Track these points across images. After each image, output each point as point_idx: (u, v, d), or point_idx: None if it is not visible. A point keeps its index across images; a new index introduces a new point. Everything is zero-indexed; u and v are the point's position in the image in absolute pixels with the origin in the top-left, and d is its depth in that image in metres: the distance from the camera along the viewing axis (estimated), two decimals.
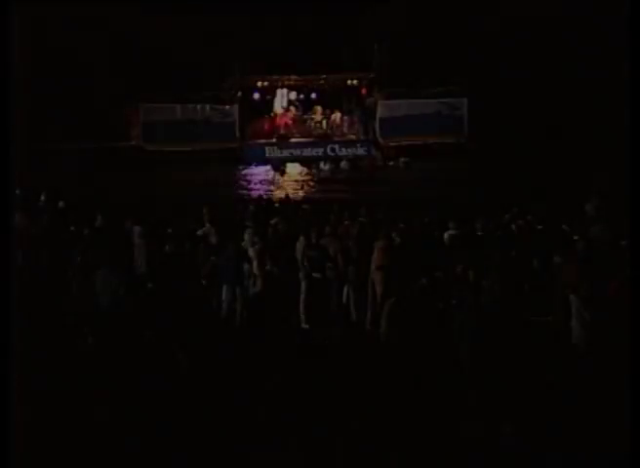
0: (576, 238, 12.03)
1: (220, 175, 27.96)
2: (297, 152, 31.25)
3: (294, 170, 30.17)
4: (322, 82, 32.67)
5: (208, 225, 13.22)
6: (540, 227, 13.08)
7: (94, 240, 11.80)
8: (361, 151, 31.72)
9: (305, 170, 29.95)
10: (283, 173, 29.33)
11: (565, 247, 11.22)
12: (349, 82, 32.77)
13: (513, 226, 13.72)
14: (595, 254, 10.65)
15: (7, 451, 5.17)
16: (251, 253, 11.58)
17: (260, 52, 30.07)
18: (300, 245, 11.88)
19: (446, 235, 13.05)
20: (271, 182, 28.07)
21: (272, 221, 14.03)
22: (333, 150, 31.47)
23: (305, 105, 32.76)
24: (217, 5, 29.77)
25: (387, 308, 8.85)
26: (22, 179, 22.41)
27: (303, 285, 11.79)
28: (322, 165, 30.08)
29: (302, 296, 11.86)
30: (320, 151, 31.30)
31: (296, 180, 28.57)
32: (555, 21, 32.14)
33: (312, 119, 32.27)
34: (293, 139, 31.73)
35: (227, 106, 30.85)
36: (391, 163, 31.31)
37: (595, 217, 13.74)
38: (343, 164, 30.98)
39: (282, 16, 31.04)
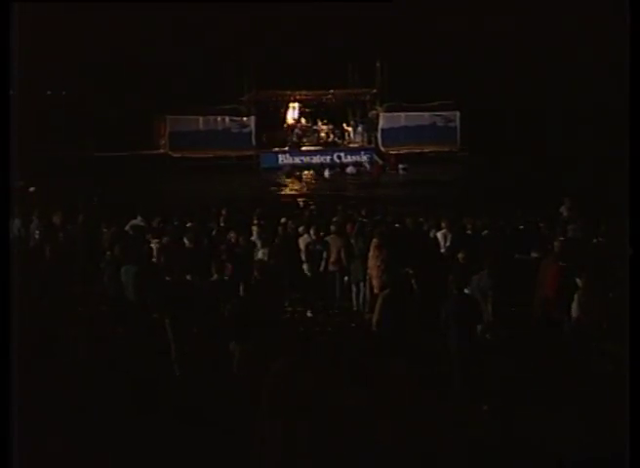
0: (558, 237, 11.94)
1: (240, 179, 27.93)
2: (306, 159, 31.29)
3: (307, 175, 30.17)
4: (330, 96, 32.81)
5: (223, 224, 13.23)
6: (520, 227, 13.01)
7: (122, 238, 11.76)
8: (364, 158, 31.74)
9: (315, 175, 29.89)
10: (300, 178, 29.31)
11: (542, 244, 11.17)
12: (354, 96, 32.83)
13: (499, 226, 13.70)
14: (569, 251, 10.56)
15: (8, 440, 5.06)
16: (259, 247, 11.60)
17: (274, 70, 30.13)
18: (303, 241, 11.88)
19: (439, 234, 12.98)
20: (285, 186, 28.08)
21: (282, 221, 14.02)
22: (339, 157, 31.50)
23: (315, 117, 32.82)
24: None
25: (380, 299, 8.82)
26: (61, 183, 22.78)
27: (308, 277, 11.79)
28: (325, 172, 29.94)
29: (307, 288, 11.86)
30: (327, 158, 31.38)
31: (307, 184, 28.61)
32: (538, 41, 32.23)
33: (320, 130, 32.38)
34: (303, 148, 31.75)
35: (245, 118, 30.97)
36: (391, 169, 31.26)
37: (569, 218, 13.67)
38: (350, 169, 31.02)
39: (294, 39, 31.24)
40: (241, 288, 8.61)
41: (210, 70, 30.48)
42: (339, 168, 30.83)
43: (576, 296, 8.83)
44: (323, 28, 31.20)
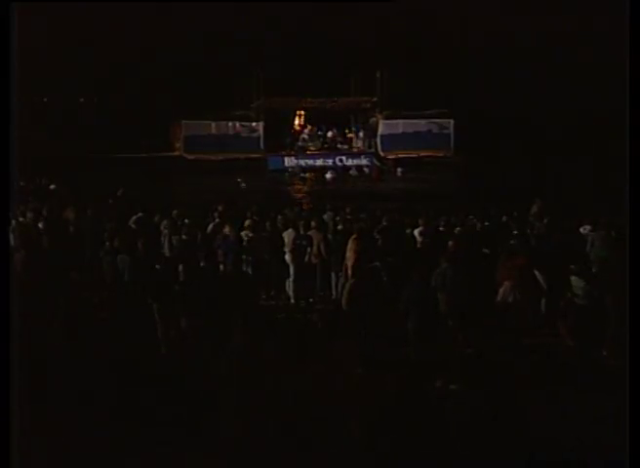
0: (515, 233, 12.12)
1: (248, 180, 28.14)
2: (310, 162, 31.45)
3: (309, 177, 30.40)
4: (333, 104, 32.94)
5: (218, 220, 13.44)
6: (486, 224, 13.17)
7: (121, 230, 12.01)
8: (364, 162, 31.90)
9: (317, 177, 30.14)
10: (303, 180, 29.58)
11: (505, 240, 11.33)
12: (356, 104, 32.99)
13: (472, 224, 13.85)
14: (528, 247, 10.75)
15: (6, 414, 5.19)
16: (246, 241, 11.86)
17: (282, 79, 30.39)
18: (287, 235, 12.11)
19: (416, 231, 13.14)
20: (288, 186, 28.32)
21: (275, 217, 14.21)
22: (341, 160, 31.68)
23: (319, 123, 32.99)
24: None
25: (348, 286, 9.06)
26: (84, 181, 23.12)
27: (292, 268, 12.02)
28: (327, 174, 30.14)
29: (291, 278, 12.09)
30: (330, 161, 31.54)
31: (309, 185, 28.84)
32: (530, 51, 32.34)
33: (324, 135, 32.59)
34: (308, 151, 31.96)
35: (254, 123, 31.21)
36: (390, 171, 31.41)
37: (537, 217, 13.80)
38: (352, 172, 31.22)
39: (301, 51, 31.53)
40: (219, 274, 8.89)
41: (222, 79, 30.76)
42: (341, 170, 31.01)
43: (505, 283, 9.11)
44: (327, 41, 31.49)
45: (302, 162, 31.29)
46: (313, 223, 12.31)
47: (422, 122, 32.29)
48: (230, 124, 31.02)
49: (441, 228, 12.95)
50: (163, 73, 31.20)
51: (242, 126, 31.08)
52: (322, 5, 30.72)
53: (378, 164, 31.71)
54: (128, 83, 31.11)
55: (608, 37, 22.47)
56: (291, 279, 12.01)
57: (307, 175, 30.28)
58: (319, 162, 31.48)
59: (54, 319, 9.72)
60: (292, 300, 12.00)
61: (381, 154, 32.12)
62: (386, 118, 32.14)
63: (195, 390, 7.68)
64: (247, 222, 12.63)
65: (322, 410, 6.93)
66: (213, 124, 30.80)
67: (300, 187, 27.93)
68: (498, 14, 32.25)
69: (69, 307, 9.93)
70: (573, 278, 9.13)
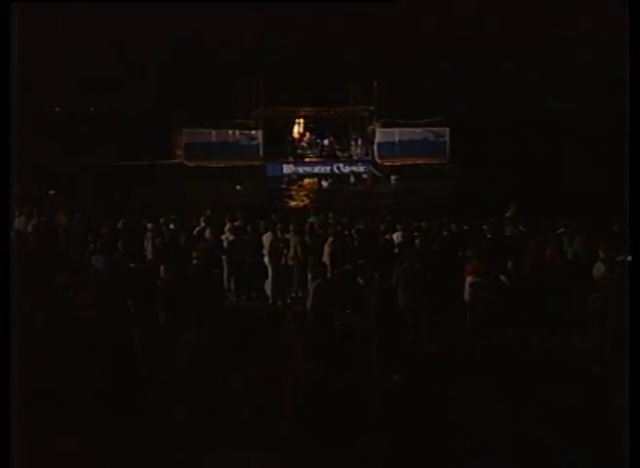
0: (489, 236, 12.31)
1: (247, 186, 28.38)
2: (308, 169, 31.69)
3: (306, 184, 30.65)
4: (331, 113, 33.19)
5: (203, 224, 13.67)
6: (465, 228, 13.35)
7: (105, 233, 12.26)
8: (361, 169, 32.10)
9: (314, 184, 30.42)
10: (300, 186, 29.88)
11: (474, 243, 11.49)
12: (353, 113, 33.23)
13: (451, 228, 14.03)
14: (494, 249, 10.92)
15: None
16: (226, 244, 12.11)
17: (281, 88, 30.69)
18: (266, 238, 12.33)
19: (394, 235, 13.35)
20: (284, 193, 28.58)
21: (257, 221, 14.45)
22: (338, 168, 31.90)
23: (318, 131, 33.24)
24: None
25: (312, 288, 9.28)
26: (85, 187, 23.44)
27: (270, 270, 12.24)
28: (323, 182, 30.40)
29: (270, 280, 12.30)
30: (328, 168, 31.75)
31: (306, 192, 29.08)
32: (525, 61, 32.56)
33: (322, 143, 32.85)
34: (306, 159, 32.21)
35: (254, 131, 31.50)
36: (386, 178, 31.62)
37: (511, 221, 13.96)
38: (351, 179, 31.42)
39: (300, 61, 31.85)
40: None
41: (223, 88, 31.11)
42: (338, 177, 31.22)
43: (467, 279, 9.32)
44: (325, 51, 31.81)
45: (301, 169, 31.54)
46: (291, 226, 12.54)
47: (418, 130, 32.48)
48: (230, 132, 31.33)
49: (416, 233, 13.12)
50: (164, 81, 31.58)
51: (242, 134, 31.38)
52: (321, 12, 31.04)
53: (374, 171, 31.90)
54: (129, 91, 31.50)
55: (607, 40, 22.72)
56: (269, 280, 12.25)
57: (305, 182, 30.50)
58: (317, 169, 31.73)
59: (39, 318, 9.98)
60: (270, 301, 12.22)
61: (378, 161, 32.31)
62: (383, 126, 32.35)
63: (160, 386, 7.90)
64: (228, 226, 12.88)
65: (278, 408, 7.10)
66: (213, 132, 31.12)
67: (296, 193, 28.19)
68: (497, 21, 32.45)
69: (55, 307, 10.19)
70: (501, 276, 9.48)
